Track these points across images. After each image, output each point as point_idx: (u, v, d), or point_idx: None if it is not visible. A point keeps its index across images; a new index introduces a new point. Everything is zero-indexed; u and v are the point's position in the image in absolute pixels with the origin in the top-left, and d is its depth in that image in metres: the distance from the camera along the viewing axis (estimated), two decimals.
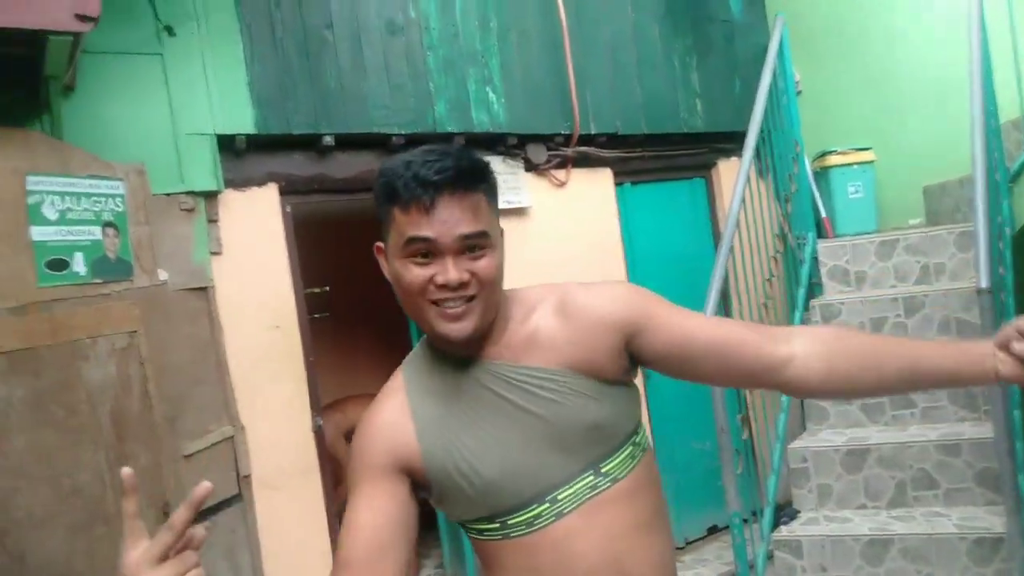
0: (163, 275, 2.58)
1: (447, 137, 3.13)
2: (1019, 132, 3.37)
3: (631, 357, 1.14)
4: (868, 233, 3.85)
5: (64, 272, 2.21)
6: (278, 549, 2.76)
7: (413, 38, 3.07)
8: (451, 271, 1.02)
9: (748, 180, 3.01)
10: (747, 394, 2.91)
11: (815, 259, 3.58)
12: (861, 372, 1.07)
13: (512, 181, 3.28)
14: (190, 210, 2.67)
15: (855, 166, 4.10)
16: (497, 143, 3.28)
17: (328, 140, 2.88)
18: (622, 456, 1.12)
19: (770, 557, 2.77)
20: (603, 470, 1.10)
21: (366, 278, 4.60)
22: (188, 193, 2.65)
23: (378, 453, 1.11)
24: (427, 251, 1.03)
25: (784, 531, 2.79)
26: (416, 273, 1.03)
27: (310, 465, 2.90)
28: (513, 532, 1.10)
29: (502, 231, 1.12)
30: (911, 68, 4.31)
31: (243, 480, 2.76)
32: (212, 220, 2.74)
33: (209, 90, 2.66)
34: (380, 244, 1.11)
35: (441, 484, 1.10)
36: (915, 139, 4.33)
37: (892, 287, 3.42)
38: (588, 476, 1.09)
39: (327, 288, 4.34)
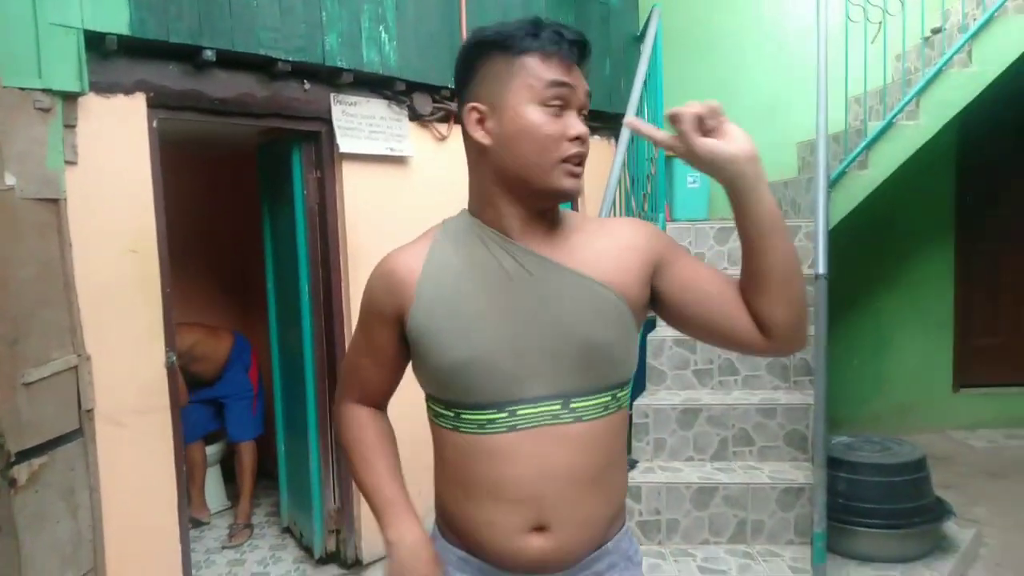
0: (10, 180, 2.27)
1: (336, 71, 3.02)
2: (838, 144, 3.90)
3: (651, 294, 1.15)
4: (701, 220, 4.26)
5: None
6: (119, 490, 2.57)
7: None
8: (582, 125, 1.06)
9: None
10: None
11: None
12: (750, 278, 1.08)
13: (396, 128, 3.24)
14: (46, 110, 2.36)
15: None
16: (384, 86, 3.21)
17: (209, 55, 2.66)
18: (597, 401, 1.09)
19: None
20: (572, 405, 1.07)
21: (211, 212, 4.36)
22: (46, 91, 2.34)
23: (379, 298, 1.17)
24: (563, 100, 1.05)
25: None
26: (550, 124, 1.04)
27: (160, 403, 2.71)
28: (463, 427, 1.10)
29: None
30: (753, 75, 4.81)
31: (85, 414, 2.52)
32: (69, 125, 2.44)
33: None
34: (477, 105, 1.08)
35: (416, 342, 1.12)
36: None
37: (724, 269, 3.84)
38: (556, 404, 1.07)
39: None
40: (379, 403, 1.29)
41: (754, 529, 2.99)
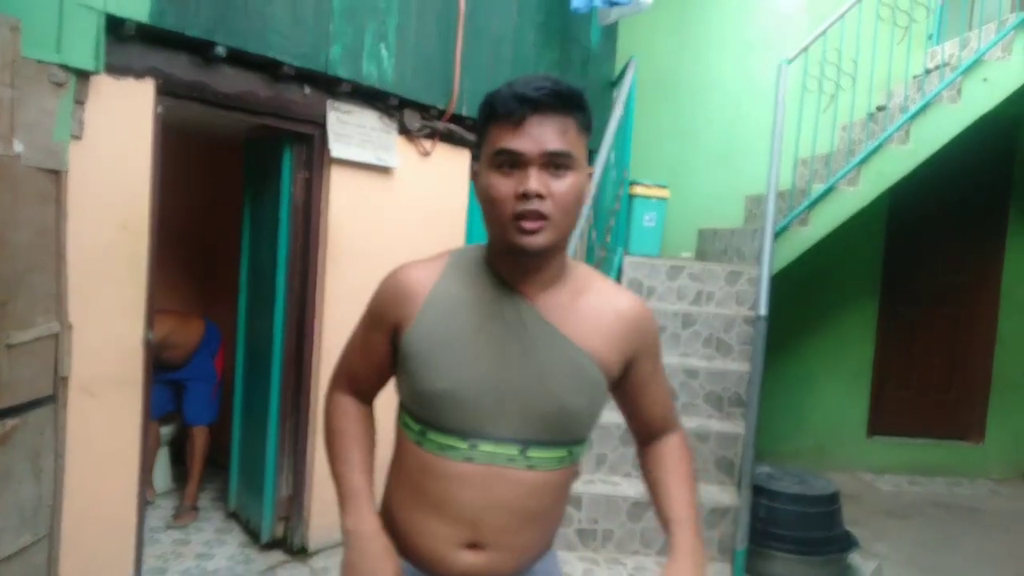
0: (19, 147, 2.35)
1: (335, 80, 3.18)
2: (783, 201, 4.25)
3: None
4: (653, 257, 4.54)
5: None
6: (84, 458, 2.64)
7: None
8: (532, 180, 1.06)
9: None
10: None
11: (619, 269, 4.17)
12: (650, 486, 1.36)
13: (384, 140, 3.41)
14: (60, 84, 2.46)
15: (654, 199, 4.79)
16: (378, 99, 3.38)
17: (220, 51, 2.79)
18: (553, 454, 1.17)
19: None
20: (528, 453, 1.15)
21: (184, 197, 4.43)
22: (62, 66, 2.44)
23: (384, 305, 1.22)
24: (513, 163, 1.08)
25: None
26: (501, 184, 1.09)
27: (133, 378, 2.79)
28: (425, 444, 1.17)
29: (590, 174, 1.18)
30: (710, 128, 5.17)
31: (60, 381, 2.59)
32: (79, 101, 2.54)
33: None
34: (475, 169, 1.17)
35: (405, 358, 1.17)
36: (700, 188, 5.20)
37: (673, 304, 4.12)
38: (514, 448, 1.15)
39: None
40: (366, 396, 1.33)
41: None
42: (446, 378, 1.13)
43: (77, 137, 2.55)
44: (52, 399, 2.57)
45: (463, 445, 1.14)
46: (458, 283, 1.19)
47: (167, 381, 3.77)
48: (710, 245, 4.97)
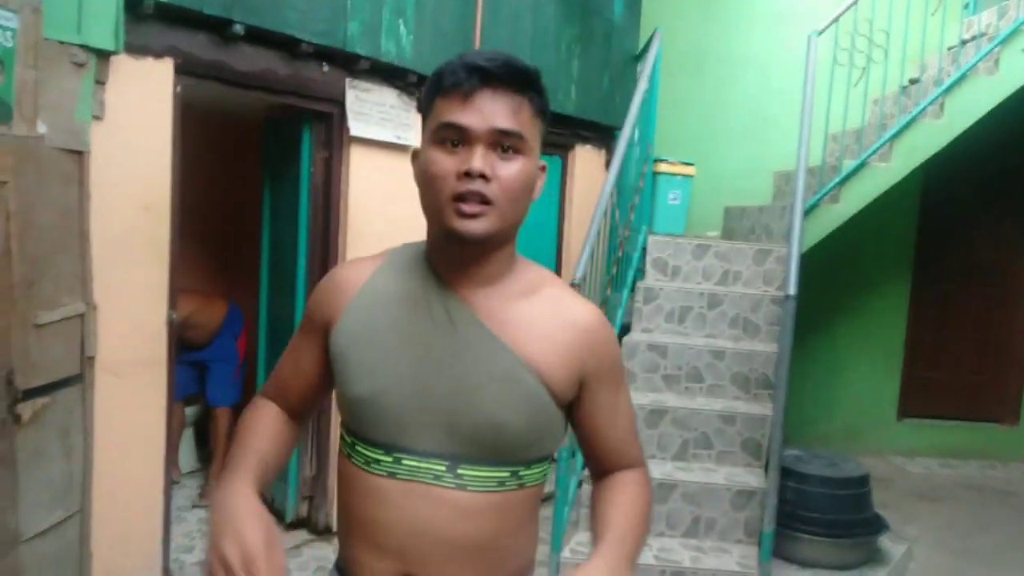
0: (42, 128, 2.36)
1: (354, 58, 3.15)
2: (813, 178, 4.15)
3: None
4: (678, 236, 4.47)
5: None
6: (112, 436, 2.66)
7: None
8: (477, 159, 0.96)
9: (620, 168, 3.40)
10: None
11: (643, 249, 4.11)
12: (591, 520, 1.15)
13: (404, 118, 3.38)
14: (81, 65, 2.46)
15: (679, 177, 4.70)
16: (398, 77, 3.35)
17: (238, 28, 2.77)
18: (490, 474, 1.03)
19: (579, 486, 3.25)
20: (459, 471, 1.02)
21: (205, 177, 4.44)
22: (82, 47, 2.44)
23: (315, 308, 1.15)
24: (457, 139, 0.98)
25: None
26: (442, 161, 0.98)
27: (158, 357, 2.81)
28: (355, 458, 1.07)
29: (544, 166, 1.07)
30: (738, 103, 5.06)
31: (87, 361, 2.61)
32: (100, 81, 2.54)
33: None
34: (416, 149, 1.07)
35: (333, 362, 1.10)
36: (726, 164, 5.10)
37: (699, 283, 4.05)
38: (441, 465, 1.02)
39: None
40: (293, 410, 1.21)
41: (707, 526, 3.20)
42: (367, 381, 1.04)
43: (99, 117, 2.55)
44: (80, 378, 2.60)
45: (387, 458, 1.03)
46: (391, 279, 1.09)
47: (190, 362, 3.80)
48: (737, 223, 4.88)
